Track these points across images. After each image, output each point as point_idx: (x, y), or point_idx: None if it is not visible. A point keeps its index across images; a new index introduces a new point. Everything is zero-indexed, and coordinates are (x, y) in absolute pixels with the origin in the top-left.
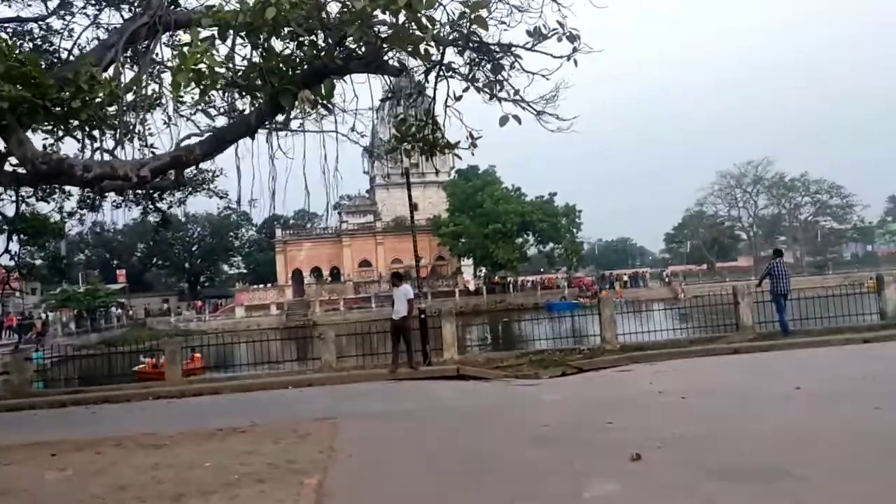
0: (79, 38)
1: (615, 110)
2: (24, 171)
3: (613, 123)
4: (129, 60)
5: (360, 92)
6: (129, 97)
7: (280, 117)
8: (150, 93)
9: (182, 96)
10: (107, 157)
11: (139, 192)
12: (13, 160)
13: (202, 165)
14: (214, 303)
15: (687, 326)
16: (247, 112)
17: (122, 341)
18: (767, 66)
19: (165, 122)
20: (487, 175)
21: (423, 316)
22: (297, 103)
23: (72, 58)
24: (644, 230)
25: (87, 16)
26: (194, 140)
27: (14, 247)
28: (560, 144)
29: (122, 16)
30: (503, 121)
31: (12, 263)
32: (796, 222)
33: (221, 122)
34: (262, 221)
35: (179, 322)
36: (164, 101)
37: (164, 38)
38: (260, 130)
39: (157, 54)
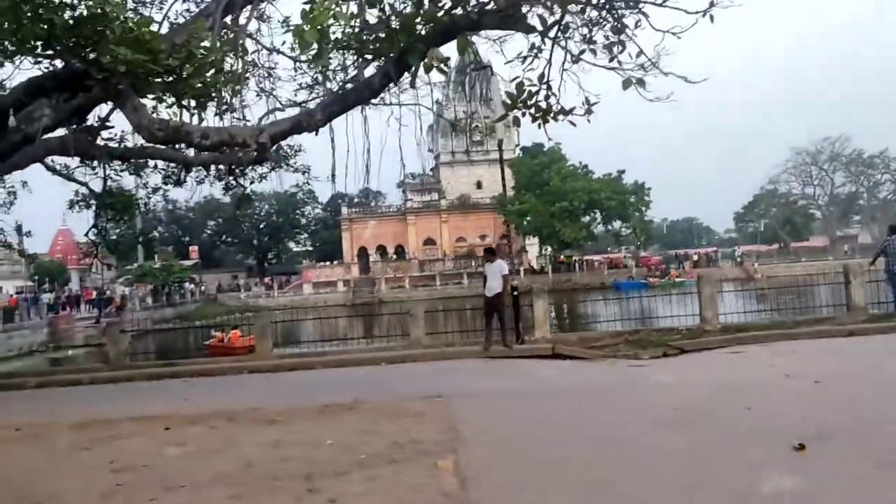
0: (169, 9)
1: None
2: (116, 145)
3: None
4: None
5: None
6: (229, 66)
7: (405, 77)
8: (246, 63)
9: (306, 54)
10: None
11: (222, 167)
12: (105, 134)
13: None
14: (281, 279)
15: (783, 308)
16: (371, 75)
17: (196, 316)
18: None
19: (258, 94)
20: (553, 152)
21: (515, 293)
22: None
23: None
24: (706, 209)
25: None
26: (279, 115)
27: (100, 222)
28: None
29: None
30: (626, 84)
31: (97, 239)
32: (875, 200)
33: (303, 95)
34: (327, 199)
35: (249, 298)
36: (250, 74)
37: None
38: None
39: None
